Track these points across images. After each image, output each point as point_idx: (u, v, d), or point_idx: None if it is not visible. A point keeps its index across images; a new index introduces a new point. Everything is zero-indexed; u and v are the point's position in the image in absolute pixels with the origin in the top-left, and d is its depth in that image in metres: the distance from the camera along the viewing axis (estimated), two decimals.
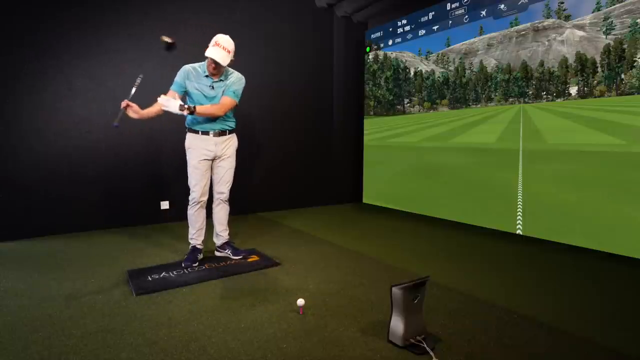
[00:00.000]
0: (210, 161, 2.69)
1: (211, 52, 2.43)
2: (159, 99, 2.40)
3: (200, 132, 2.64)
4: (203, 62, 2.61)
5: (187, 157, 2.68)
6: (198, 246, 2.75)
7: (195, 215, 2.72)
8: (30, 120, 3.40)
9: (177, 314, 1.91)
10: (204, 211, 2.77)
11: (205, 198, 2.73)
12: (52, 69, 3.46)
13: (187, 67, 2.61)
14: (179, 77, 2.61)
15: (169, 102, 2.40)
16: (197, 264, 2.65)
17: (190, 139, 2.66)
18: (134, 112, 2.42)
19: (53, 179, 3.51)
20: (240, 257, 2.82)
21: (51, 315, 1.90)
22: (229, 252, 2.84)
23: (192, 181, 2.68)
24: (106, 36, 3.67)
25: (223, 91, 2.61)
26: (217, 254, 2.88)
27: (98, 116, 3.69)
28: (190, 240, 2.76)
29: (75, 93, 3.58)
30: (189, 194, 2.71)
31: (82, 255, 2.92)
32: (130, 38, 3.78)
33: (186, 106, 2.41)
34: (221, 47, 2.44)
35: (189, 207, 2.73)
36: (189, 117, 2.64)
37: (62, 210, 3.57)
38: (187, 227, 2.76)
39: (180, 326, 1.78)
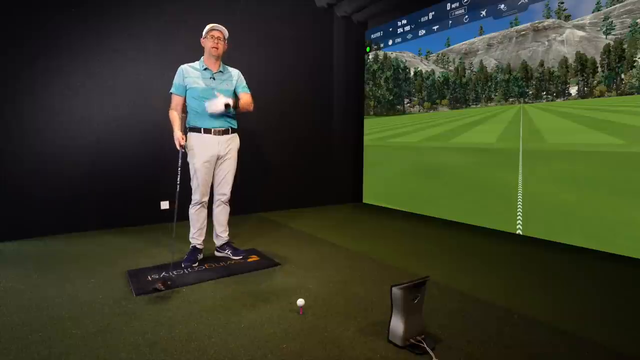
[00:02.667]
0: (214, 162, 2.68)
1: (212, 24, 2.57)
2: (207, 108, 2.53)
3: (202, 130, 2.60)
4: (197, 61, 2.66)
5: (189, 159, 2.66)
6: (198, 246, 2.75)
7: (196, 215, 2.72)
8: (30, 120, 3.40)
9: (177, 314, 1.91)
10: (205, 211, 2.76)
11: (207, 198, 2.73)
12: (52, 69, 3.46)
13: (183, 66, 2.63)
14: (177, 79, 2.62)
15: (213, 106, 2.52)
16: (197, 264, 2.65)
17: (193, 140, 2.62)
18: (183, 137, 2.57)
19: (53, 179, 3.51)
20: (240, 257, 2.81)
21: (51, 315, 1.90)
22: (229, 253, 2.84)
23: (194, 183, 2.67)
24: (106, 36, 3.67)
25: (227, 85, 2.67)
26: (217, 254, 2.88)
27: (98, 116, 3.69)
28: (190, 240, 2.76)
29: (75, 93, 3.58)
30: (189, 194, 2.71)
31: (82, 255, 2.92)
32: (130, 38, 3.78)
33: (230, 101, 2.55)
34: (217, 25, 2.59)
35: (190, 206, 2.73)
36: (192, 114, 2.64)
37: (62, 210, 3.57)
38: (188, 227, 2.76)
39: (180, 326, 1.79)
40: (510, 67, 3.68)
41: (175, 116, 2.60)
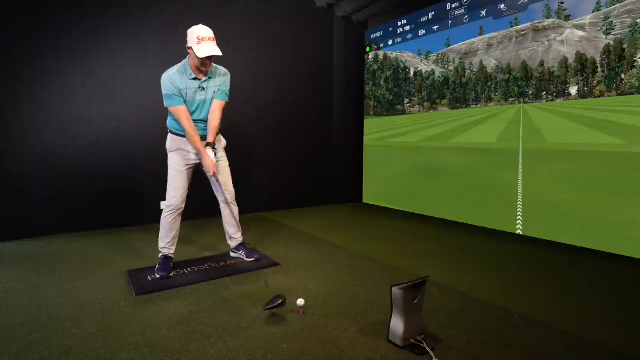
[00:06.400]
0: (196, 166, 2.55)
1: (211, 49, 2.25)
2: (208, 163, 2.42)
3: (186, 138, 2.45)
4: (180, 65, 2.40)
5: (170, 160, 2.50)
6: (171, 255, 2.56)
7: (171, 224, 2.51)
8: (30, 120, 3.40)
9: (177, 314, 1.91)
10: (180, 218, 2.58)
11: (184, 205, 2.54)
12: (51, 69, 3.46)
13: (172, 76, 2.34)
14: (170, 89, 2.33)
15: (208, 156, 2.42)
16: (172, 273, 2.47)
17: (176, 141, 2.48)
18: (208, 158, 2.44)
19: (53, 179, 3.51)
20: (254, 259, 2.73)
21: (51, 315, 1.90)
22: (242, 254, 2.77)
23: (173, 186, 2.48)
24: (106, 36, 3.67)
25: (214, 92, 2.46)
26: (232, 254, 2.83)
27: (98, 116, 3.69)
28: (161, 250, 2.54)
29: (75, 93, 3.58)
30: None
31: (82, 255, 2.92)
32: (129, 38, 3.78)
33: (211, 148, 2.44)
34: (214, 40, 2.29)
35: (165, 214, 2.51)
36: (173, 121, 2.47)
37: (62, 210, 3.57)
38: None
39: (180, 326, 1.79)
40: (510, 67, 3.68)
41: (195, 133, 2.37)
